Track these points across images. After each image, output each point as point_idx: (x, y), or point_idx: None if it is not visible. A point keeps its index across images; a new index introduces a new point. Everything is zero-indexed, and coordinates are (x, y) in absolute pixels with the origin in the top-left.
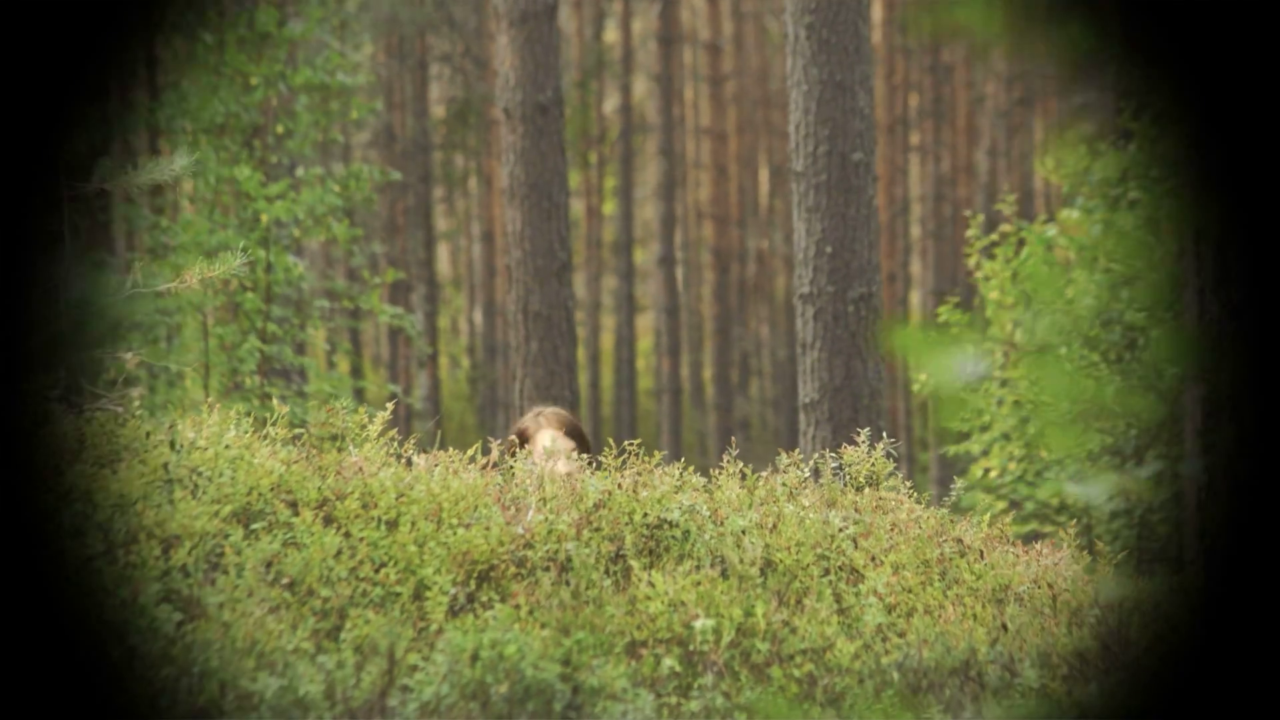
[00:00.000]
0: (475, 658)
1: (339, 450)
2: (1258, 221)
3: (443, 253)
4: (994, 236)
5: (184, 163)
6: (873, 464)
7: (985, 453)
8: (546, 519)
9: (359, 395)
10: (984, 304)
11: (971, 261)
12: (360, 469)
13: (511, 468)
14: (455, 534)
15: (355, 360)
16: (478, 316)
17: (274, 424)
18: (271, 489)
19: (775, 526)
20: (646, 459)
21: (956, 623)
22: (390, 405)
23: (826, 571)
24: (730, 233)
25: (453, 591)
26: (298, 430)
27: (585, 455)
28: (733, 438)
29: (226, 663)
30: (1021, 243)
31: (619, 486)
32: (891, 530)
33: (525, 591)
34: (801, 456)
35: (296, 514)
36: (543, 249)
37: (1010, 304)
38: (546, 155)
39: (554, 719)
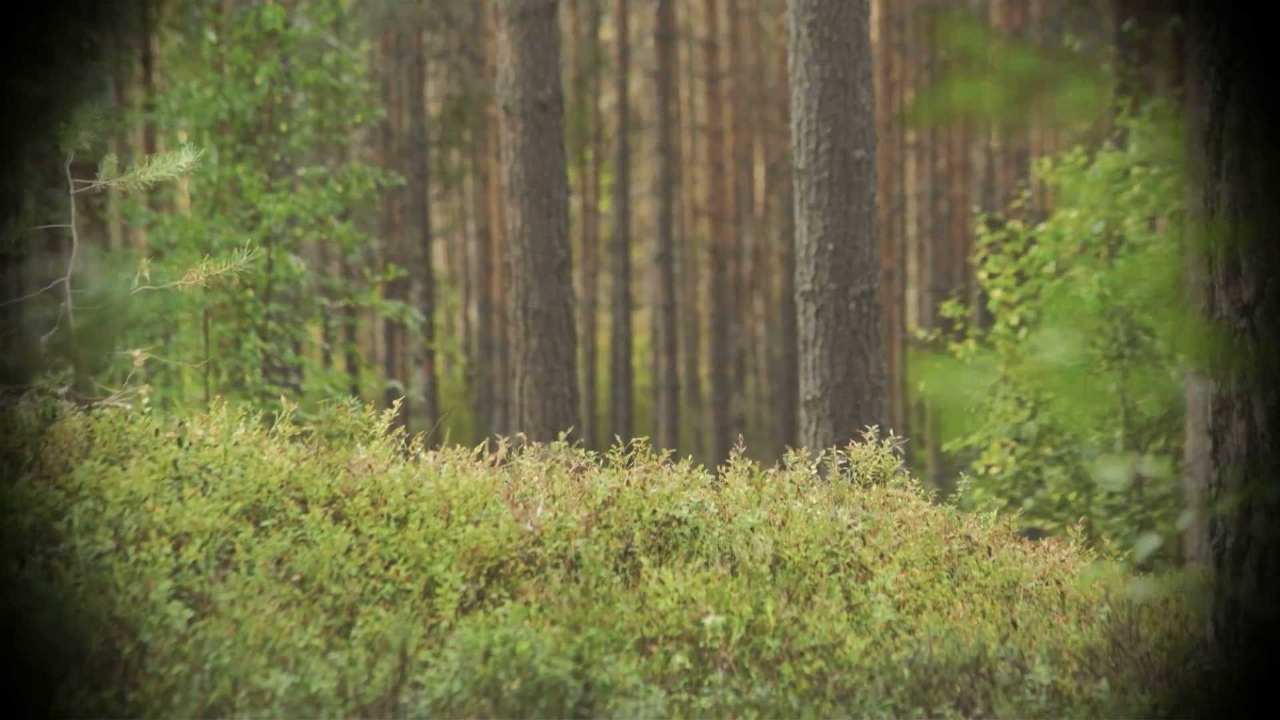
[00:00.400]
0: (487, 655)
1: (347, 448)
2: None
3: (438, 250)
4: (1002, 234)
5: (190, 159)
6: (879, 461)
7: (985, 448)
8: (555, 516)
9: (355, 393)
10: (986, 301)
11: (977, 259)
12: (369, 466)
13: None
14: (465, 531)
15: (357, 357)
16: (473, 313)
17: (281, 421)
18: (281, 486)
19: (784, 524)
20: (654, 456)
21: (965, 619)
22: (397, 402)
23: (835, 568)
24: (727, 230)
25: (463, 588)
26: (307, 428)
27: None
28: (739, 435)
29: (238, 659)
30: (1031, 241)
31: (627, 484)
32: (899, 527)
33: (535, 588)
34: (807, 454)
35: (306, 511)
36: (542, 246)
37: (1015, 301)
38: (546, 152)
39: (566, 716)
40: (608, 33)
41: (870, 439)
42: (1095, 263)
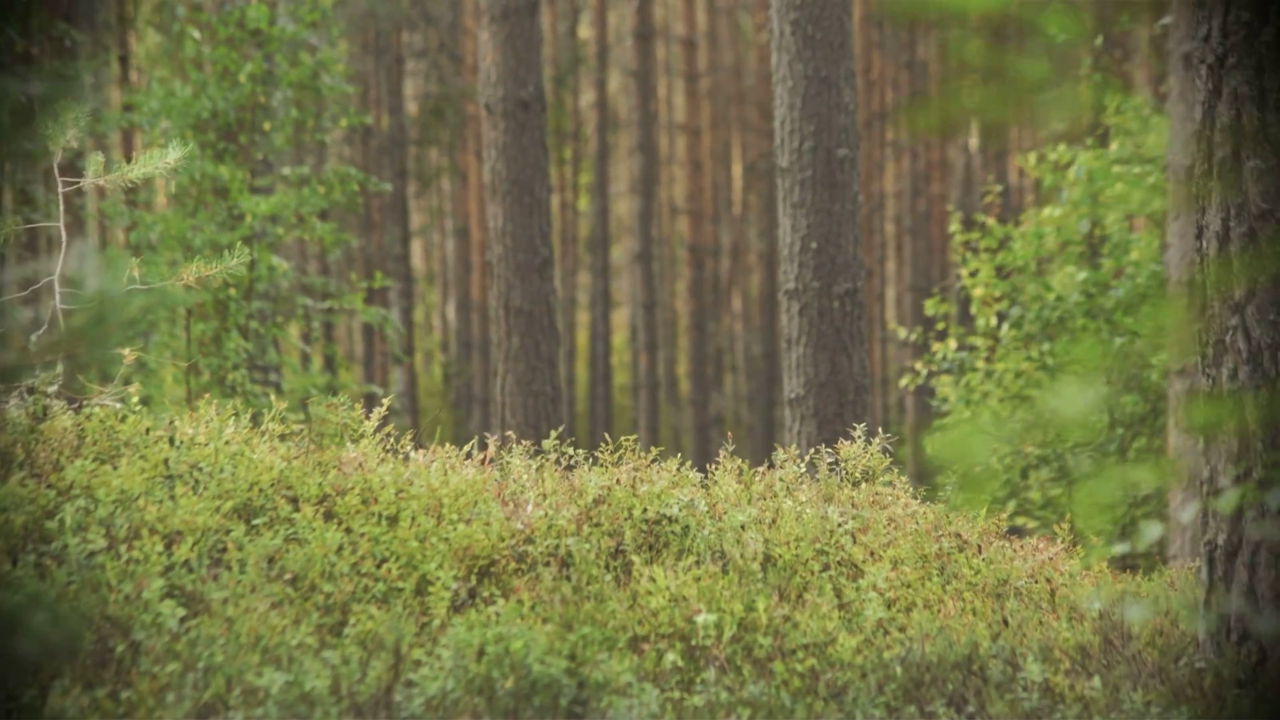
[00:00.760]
0: (481, 653)
1: (337, 446)
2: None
3: (415, 248)
4: (977, 233)
5: (178, 155)
6: (868, 459)
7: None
8: (546, 514)
9: (333, 393)
10: (967, 300)
11: (958, 258)
12: (360, 465)
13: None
14: (456, 529)
15: (338, 357)
16: (450, 312)
17: (271, 420)
18: (272, 485)
19: (774, 522)
20: (643, 455)
21: (957, 617)
22: (386, 400)
23: (826, 566)
24: (705, 228)
25: (454, 587)
26: (296, 427)
27: None
28: (721, 434)
29: (232, 658)
30: (1008, 238)
31: (617, 482)
32: (889, 525)
33: (527, 587)
34: (797, 452)
35: (297, 510)
36: (524, 244)
37: (997, 297)
38: (528, 151)
39: (560, 714)
40: (585, 31)
41: (859, 437)
42: (1079, 261)
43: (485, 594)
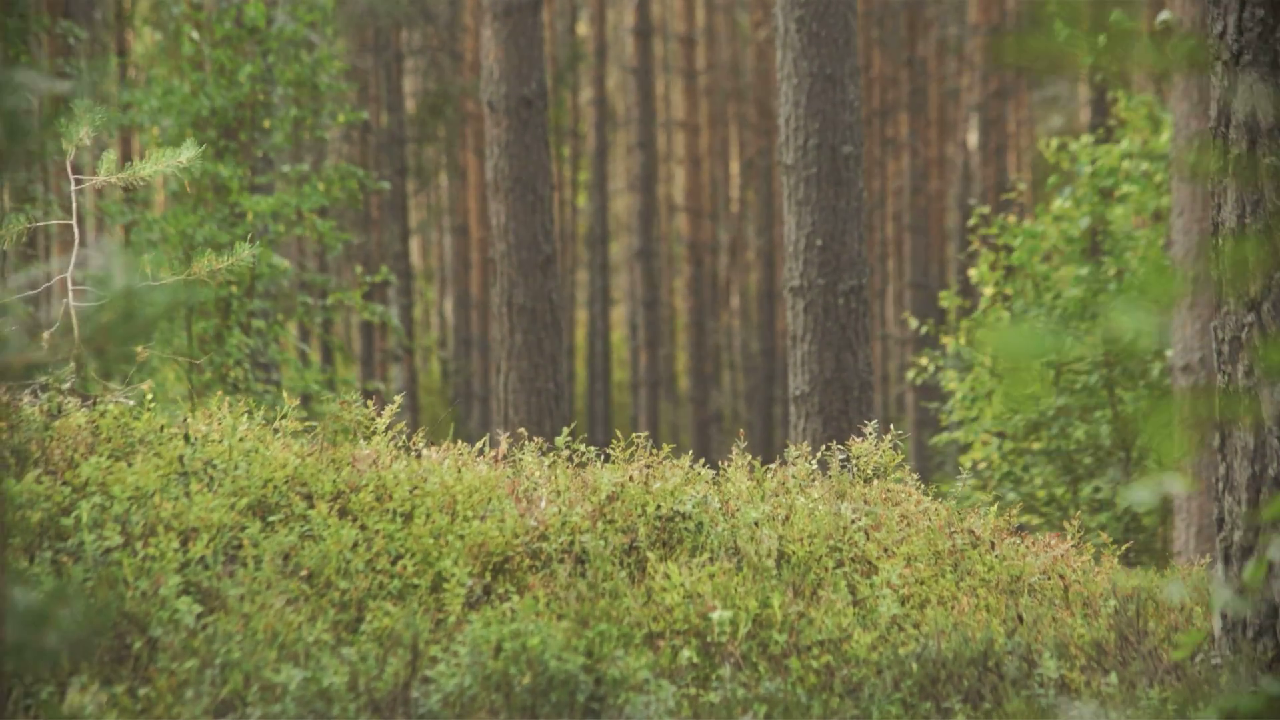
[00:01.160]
0: (498, 650)
1: (351, 443)
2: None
3: (413, 246)
4: (994, 229)
5: (191, 154)
6: (880, 456)
7: (970, 445)
8: (560, 511)
9: (332, 390)
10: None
11: (961, 254)
12: (374, 462)
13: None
14: (470, 526)
15: (345, 354)
16: (449, 309)
17: (283, 417)
18: (286, 482)
19: (787, 518)
20: (654, 452)
21: (971, 614)
22: (398, 398)
23: (840, 563)
24: (704, 226)
25: (469, 583)
26: (302, 424)
27: None
28: (718, 430)
29: (249, 654)
30: (1012, 240)
31: (630, 479)
32: (901, 522)
33: (542, 583)
34: (808, 449)
35: (312, 506)
36: (527, 242)
37: (1008, 295)
38: (531, 148)
39: (577, 710)
40: (583, 29)
41: (870, 434)
42: (1080, 258)
43: (500, 590)
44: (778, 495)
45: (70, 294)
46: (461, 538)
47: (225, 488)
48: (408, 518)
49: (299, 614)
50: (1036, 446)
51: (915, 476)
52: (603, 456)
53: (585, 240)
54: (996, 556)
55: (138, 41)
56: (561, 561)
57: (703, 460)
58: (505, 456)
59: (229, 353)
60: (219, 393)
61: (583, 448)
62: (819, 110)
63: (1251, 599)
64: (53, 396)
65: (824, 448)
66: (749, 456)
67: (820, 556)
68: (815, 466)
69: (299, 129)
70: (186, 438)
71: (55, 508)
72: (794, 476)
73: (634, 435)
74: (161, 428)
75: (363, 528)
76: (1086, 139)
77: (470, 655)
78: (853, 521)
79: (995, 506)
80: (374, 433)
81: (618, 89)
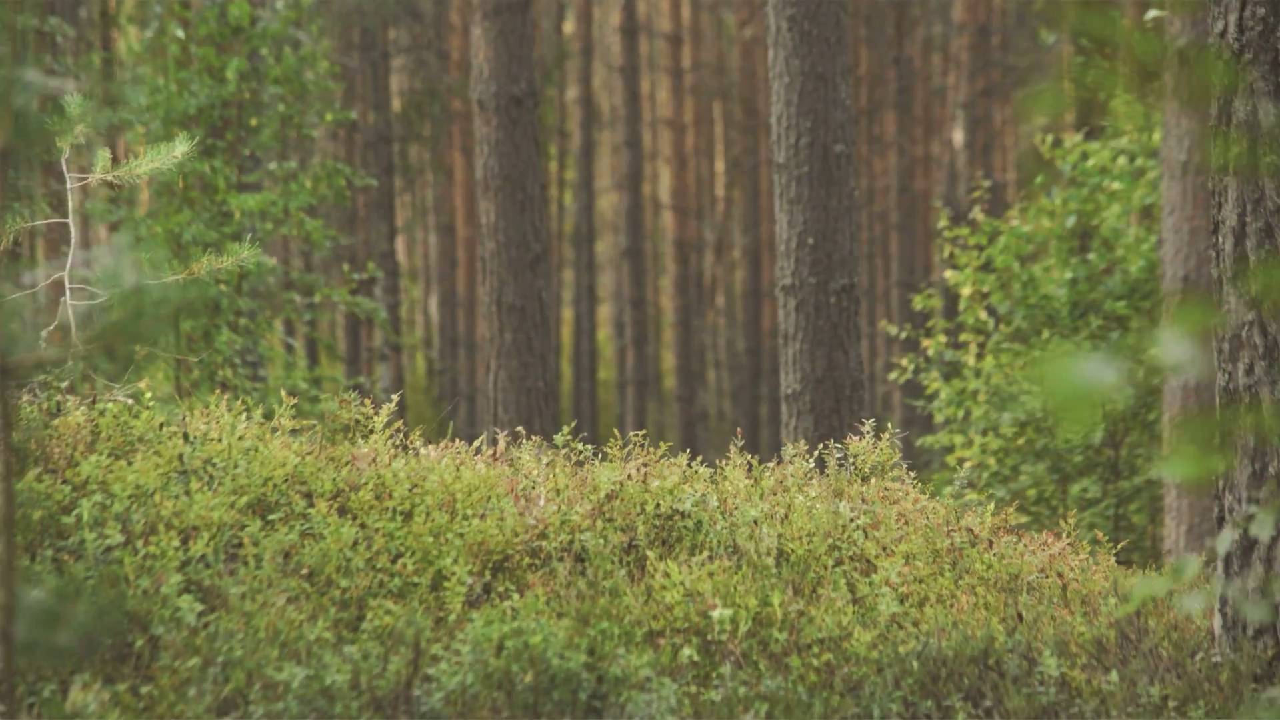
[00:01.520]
0: (500, 648)
1: (350, 442)
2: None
3: (399, 244)
4: (964, 230)
5: (184, 148)
6: (877, 454)
7: (955, 445)
8: (559, 509)
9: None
10: (954, 294)
11: (946, 253)
12: (373, 460)
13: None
14: (470, 525)
15: (333, 352)
16: (434, 308)
17: (282, 415)
18: (286, 480)
19: (786, 517)
20: (651, 450)
21: (970, 612)
22: (395, 397)
23: (839, 561)
24: (690, 224)
25: (469, 582)
26: (306, 423)
27: None
28: (738, 429)
29: (251, 652)
30: (996, 234)
31: (629, 477)
32: (899, 520)
33: (541, 581)
34: (805, 447)
35: (312, 505)
36: (516, 240)
37: (985, 293)
38: (520, 147)
39: (579, 708)
40: (569, 27)
41: (867, 432)
42: (1068, 256)
43: (500, 589)
44: (776, 494)
45: (68, 293)
46: (461, 536)
47: (225, 486)
48: (407, 516)
49: (300, 612)
50: (1021, 442)
51: (912, 475)
52: (600, 455)
53: (571, 239)
54: (995, 555)
55: (123, 39)
56: (561, 560)
57: (700, 459)
58: (503, 455)
59: (218, 351)
60: (210, 391)
61: (580, 446)
62: (811, 109)
63: (1264, 602)
64: (51, 395)
65: (821, 446)
66: (746, 455)
67: (819, 555)
68: (812, 465)
69: (286, 127)
70: (186, 436)
71: (56, 506)
72: (792, 475)
73: (632, 434)
74: (161, 426)
75: (363, 526)
76: (1076, 137)
77: (472, 653)
78: (851, 520)
79: (992, 505)
80: (371, 431)
81: (603, 87)
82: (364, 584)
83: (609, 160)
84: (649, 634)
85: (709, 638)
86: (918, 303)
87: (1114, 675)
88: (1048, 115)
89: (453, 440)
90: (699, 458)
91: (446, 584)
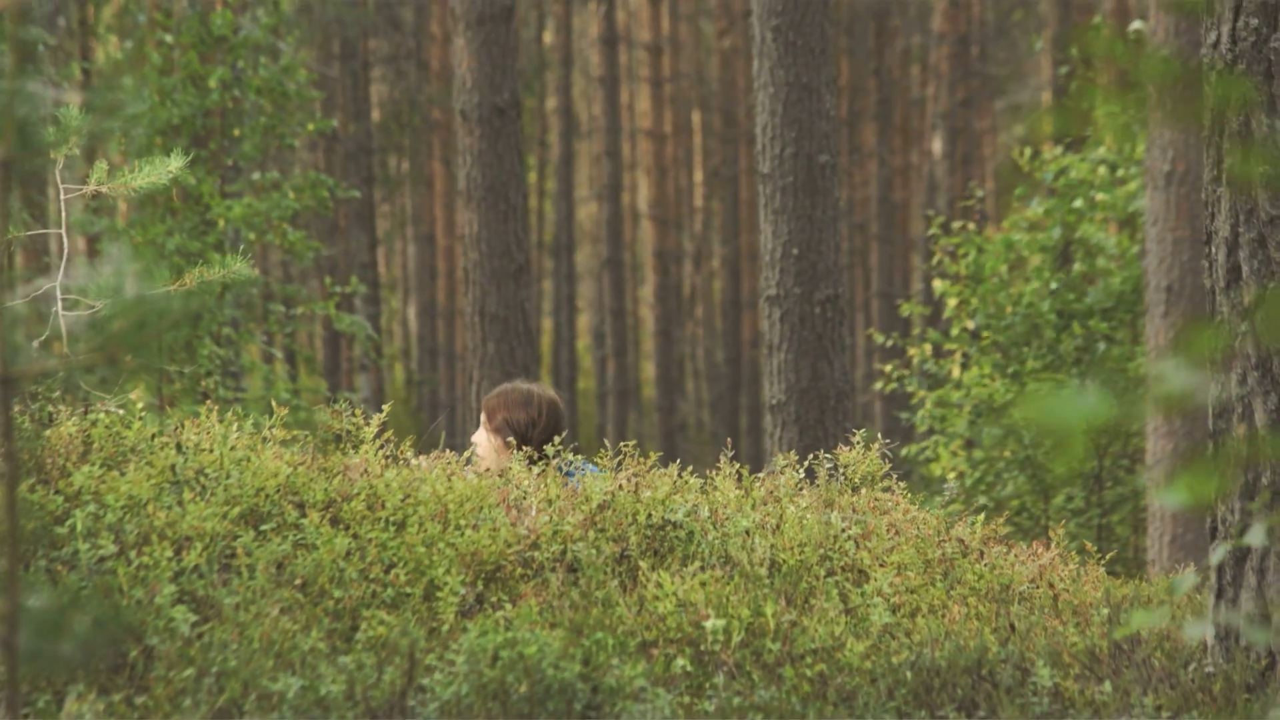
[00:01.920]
0: (495, 658)
1: (343, 452)
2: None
3: (378, 255)
4: (955, 239)
5: (179, 162)
6: (867, 465)
7: (939, 455)
8: (551, 520)
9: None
10: (938, 303)
11: (933, 263)
12: (365, 470)
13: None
14: (463, 535)
15: (313, 364)
16: (412, 318)
17: (273, 425)
18: (278, 490)
19: (778, 527)
20: (642, 460)
21: (962, 622)
22: (386, 407)
23: (831, 572)
24: (670, 234)
25: (462, 592)
26: (297, 433)
27: (495, 431)
28: (728, 439)
29: (245, 663)
30: (980, 248)
31: (620, 487)
32: (890, 531)
33: (534, 592)
34: (795, 457)
35: (304, 515)
36: (499, 250)
37: (973, 305)
38: (504, 157)
39: (574, 718)
40: (549, 37)
41: (858, 442)
42: (1051, 268)
43: (493, 599)
44: (767, 504)
45: (59, 304)
46: (454, 546)
47: (218, 496)
48: (400, 526)
49: (294, 623)
50: (1006, 454)
51: (903, 485)
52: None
53: (550, 249)
54: (986, 565)
55: (101, 49)
56: (554, 570)
57: (690, 469)
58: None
59: (200, 362)
60: (192, 402)
61: (571, 456)
62: (796, 119)
63: (1263, 626)
64: (43, 405)
65: (811, 456)
66: (736, 465)
67: (811, 565)
68: (802, 475)
69: (270, 137)
70: (179, 446)
71: (49, 516)
72: (783, 485)
73: (622, 444)
74: (153, 436)
75: (355, 537)
76: (1058, 149)
77: (467, 664)
78: (843, 530)
79: (983, 515)
80: (362, 441)
81: (582, 97)
82: (357, 594)
83: (588, 170)
84: (642, 644)
85: (702, 648)
86: (905, 309)
87: (1107, 686)
88: (1058, 132)
89: (443, 451)
90: (689, 468)
91: (439, 594)
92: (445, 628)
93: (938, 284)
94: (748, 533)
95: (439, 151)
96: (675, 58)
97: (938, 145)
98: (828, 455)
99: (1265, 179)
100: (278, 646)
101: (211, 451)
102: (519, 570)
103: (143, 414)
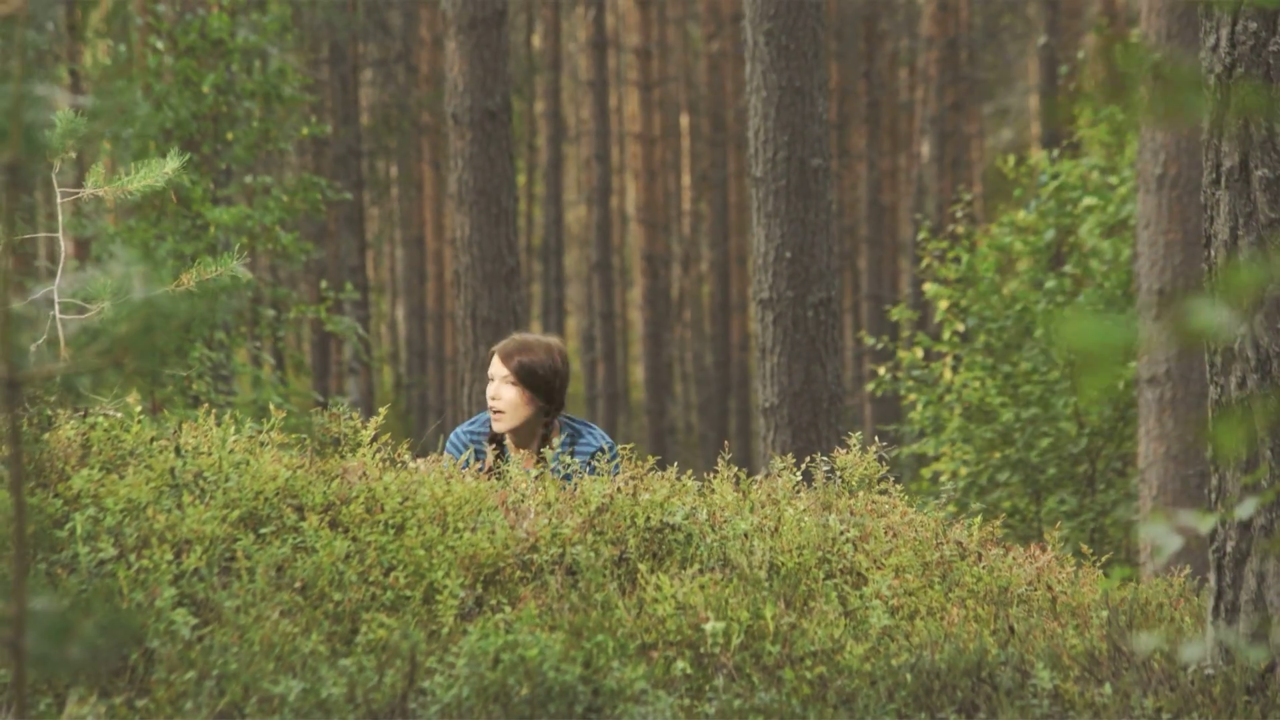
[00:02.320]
0: (496, 660)
1: (341, 455)
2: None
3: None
4: (944, 242)
5: (175, 164)
6: (865, 467)
7: (937, 456)
8: (550, 522)
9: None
10: (927, 305)
11: (922, 266)
12: (364, 474)
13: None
14: (462, 538)
15: (309, 368)
16: (400, 320)
17: (271, 428)
18: (277, 493)
19: (776, 530)
20: (639, 463)
21: (961, 625)
22: (383, 410)
23: (830, 574)
24: (659, 238)
25: (462, 595)
26: (295, 436)
27: (527, 388)
28: (726, 442)
29: (246, 665)
30: (973, 246)
31: (619, 490)
32: (888, 533)
33: (533, 594)
34: (793, 460)
35: (303, 518)
36: (491, 254)
37: (964, 306)
38: (495, 161)
39: None
40: (538, 41)
41: (854, 445)
42: (1044, 271)
43: (493, 602)
44: (764, 506)
45: (56, 307)
46: (453, 549)
47: (217, 500)
48: (399, 529)
49: (294, 625)
50: (997, 456)
51: (900, 488)
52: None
53: (539, 253)
54: (984, 567)
55: (89, 52)
56: (553, 573)
57: (689, 472)
58: (491, 469)
59: (191, 365)
60: (183, 406)
61: (569, 459)
62: (788, 123)
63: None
64: (41, 409)
65: (809, 459)
66: (733, 468)
67: (810, 568)
68: (800, 478)
69: (264, 141)
70: (178, 450)
71: (48, 520)
72: (781, 488)
73: (619, 447)
74: (151, 440)
75: (354, 540)
76: (1044, 155)
77: (468, 666)
78: (841, 533)
79: (979, 518)
80: (359, 445)
81: (570, 101)
82: (357, 597)
83: (576, 174)
84: (642, 647)
85: (702, 650)
86: (894, 314)
87: (1107, 688)
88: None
89: (441, 454)
90: (689, 471)
91: (439, 597)
92: (445, 630)
93: (928, 287)
94: (746, 535)
95: (428, 155)
96: (664, 61)
97: (926, 149)
98: (825, 458)
99: (1264, 182)
100: (278, 649)
101: (210, 455)
102: (518, 573)
103: (141, 417)
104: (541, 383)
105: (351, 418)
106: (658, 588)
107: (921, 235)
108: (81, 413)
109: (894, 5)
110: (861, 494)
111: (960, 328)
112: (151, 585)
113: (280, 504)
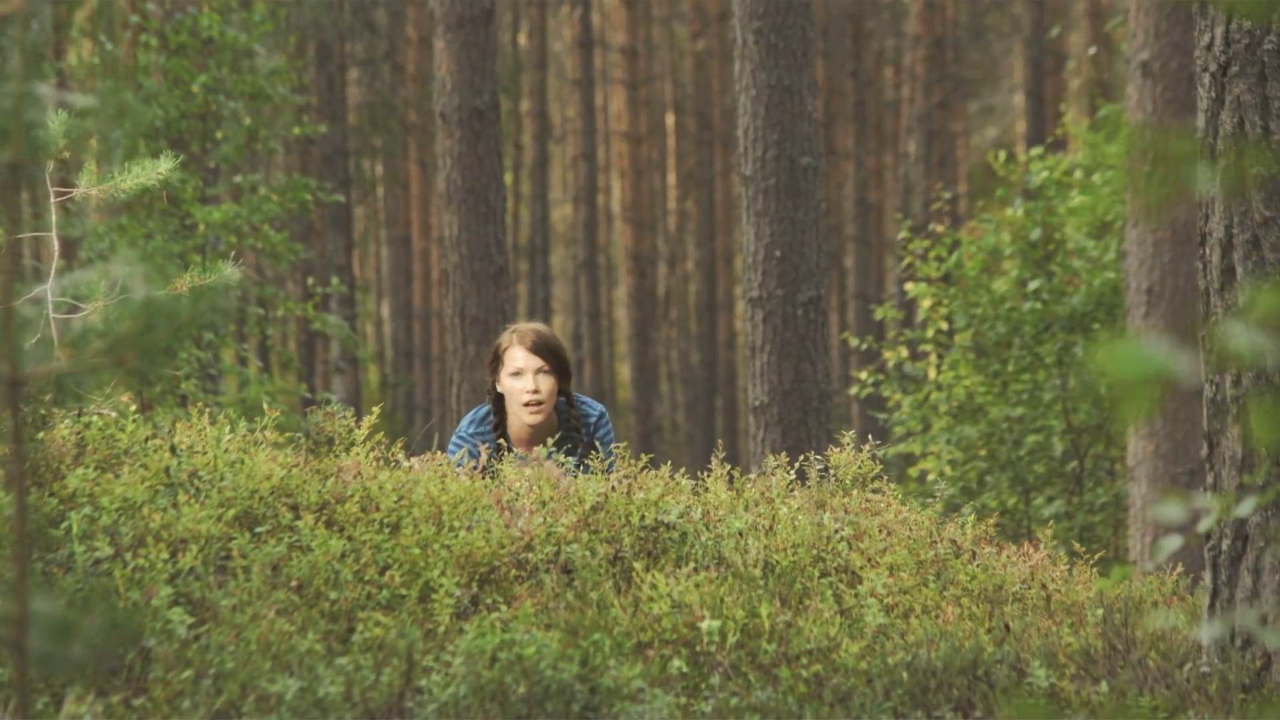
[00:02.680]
0: (493, 659)
1: (336, 454)
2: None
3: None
4: (925, 241)
5: (168, 164)
6: (859, 466)
7: (924, 455)
8: (545, 521)
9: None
10: (912, 305)
11: (904, 265)
12: (359, 473)
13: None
14: (457, 537)
15: (300, 367)
16: (386, 319)
17: (264, 428)
18: (272, 492)
19: (770, 528)
20: (633, 462)
21: (956, 623)
22: (376, 409)
23: (825, 573)
24: (646, 237)
25: (457, 594)
26: (290, 435)
27: (557, 374)
28: (719, 440)
29: (243, 664)
30: (955, 244)
31: (613, 489)
32: (882, 532)
33: (529, 593)
34: (786, 459)
35: (298, 517)
36: (480, 253)
37: (946, 303)
38: (483, 160)
39: (572, 719)
40: (524, 40)
41: (847, 444)
42: (1031, 269)
43: (488, 600)
44: (759, 505)
45: (50, 307)
46: (448, 548)
47: (212, 499)
48: (394, 528)
49: (291, 624)
50: (984, 454)
51: (893, 487)
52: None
53: (525, 251)
54: (978, 566)
55: (74, 51)
56: (548, 572)
57: (682, 471)
58: (485, 467)
59: (179, 365)
60: (172, 405)
61: (563, 458)
62: (777, 122)
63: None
64: (36, 408)
65: (802, 458)
66: (727, 466)
67: (805, 566)
68: (794, 476)
69: (253, 140)
70: (173, 449)
71: (44, 519)
72: (775, 487)
73: (613, 446)
74: (146, 439)
75: (350, 539)
76: (1034, 151)
77: (464, 665)
78: (835, 531)
79: (973, 516)
80: (353, 444)
81: (556, 99)
82: (353, 596)
83: (562, 173)
84: (638, 645)
85: (698, 649)
86: (879, 313)
87: (1103, 686)
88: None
89: (435, 453)
90: (682, 470)
91: (435, 596)
92: (441, 629)
93: (910, 286)
94: (741, 534)
95: (414, 154)
96: (650, 60)
97: (913, 147)
98: (818, 456)
99: (1259, 181)
100: (275, 648)
101: (205, 454)
102: (513, 572)
103: (135, 416)
104: (566, 365)
105: (345, 416)
106: (653, 586)
107: (902, 234)
108: (76, 412)
109: (880, 4)
110: (855, 492)
111: (944, 325)
112: (147, 584)
113: (275, 503)
